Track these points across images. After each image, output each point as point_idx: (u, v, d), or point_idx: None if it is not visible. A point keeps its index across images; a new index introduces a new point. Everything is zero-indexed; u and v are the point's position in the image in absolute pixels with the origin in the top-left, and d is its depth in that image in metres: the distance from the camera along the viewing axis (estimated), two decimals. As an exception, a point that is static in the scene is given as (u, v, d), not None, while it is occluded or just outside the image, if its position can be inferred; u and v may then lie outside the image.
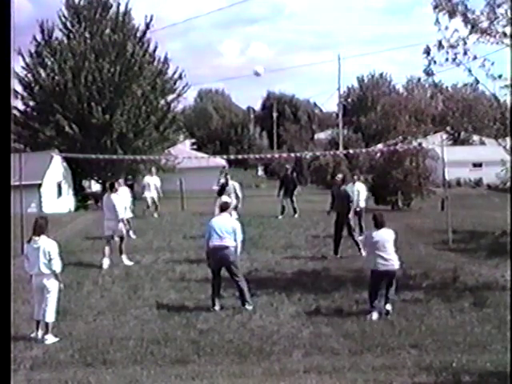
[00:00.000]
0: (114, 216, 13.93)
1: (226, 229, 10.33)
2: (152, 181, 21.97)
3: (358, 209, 16.61)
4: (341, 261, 14.18)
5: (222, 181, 17.31)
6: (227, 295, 10.87)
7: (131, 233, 17.36)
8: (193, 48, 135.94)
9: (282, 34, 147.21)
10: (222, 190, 14.56)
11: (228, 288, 10.91)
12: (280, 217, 20.97)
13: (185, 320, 9.80)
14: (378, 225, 10.07)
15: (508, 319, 9.23)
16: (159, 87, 38.45)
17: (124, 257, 14.21)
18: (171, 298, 11.13)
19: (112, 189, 14.41)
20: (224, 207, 10.84)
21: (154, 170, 23.06)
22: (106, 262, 13.75)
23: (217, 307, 10.33)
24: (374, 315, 9.79)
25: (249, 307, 10.30)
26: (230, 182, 17.11)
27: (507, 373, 7.38)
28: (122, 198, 14.56)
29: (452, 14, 11.37)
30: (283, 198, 21.55)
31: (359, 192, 16.97)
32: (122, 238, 14.23)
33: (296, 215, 21.27)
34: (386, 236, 9.99)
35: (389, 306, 9.96)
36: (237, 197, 16.81)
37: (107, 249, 13.87)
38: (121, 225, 14.08)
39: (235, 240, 10.34)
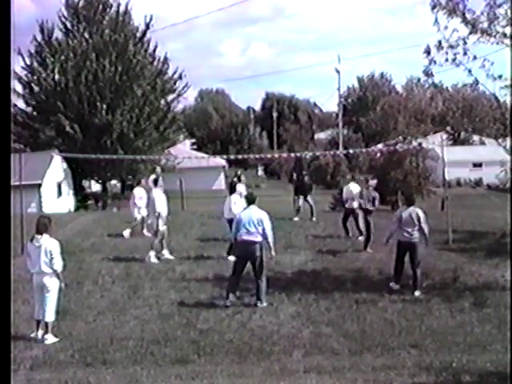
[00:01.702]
0: (152, 212, 14.43)
1: (253, 222, 10.37)
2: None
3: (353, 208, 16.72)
4: (341, 261, 14.18)
5: (235, 180, 17.00)
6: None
7: (127, 231, 17.37)
8: (193, 48, 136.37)
9: (282, 35, 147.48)
10: (232, 188, 14.46)
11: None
12: (296, 218, 20.73)
13: (185, 320, 9.80)
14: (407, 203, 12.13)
15: (508, 319, 9.24)
16: (159, 87, 38.48)
17: (151, 253, 14.26)
18: (171, 298, 11.13)
19: (156, 184, 14.79)
20: (251, 199, 10.86)
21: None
22: (152, 255, 14.20)
23: (228, 303, 10.39)
24: (395, 286, 11.43)
25: (260, 305, 10.38)
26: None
27: (507, 373, 7.39)
28: (162, 195, 14.75)
29: (452, 14, 11.35)
30: (297, 199, 21.31)
31: (352, 193, 16.87)
32: (156, 234, 14.39)
33: (314, 218, 20.90)
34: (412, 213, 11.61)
35: (417, 293, 11.16)
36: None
37: (157, 243, 14.36)
38: (156, 220, 14.31)
39: (264, 232, 10.34)
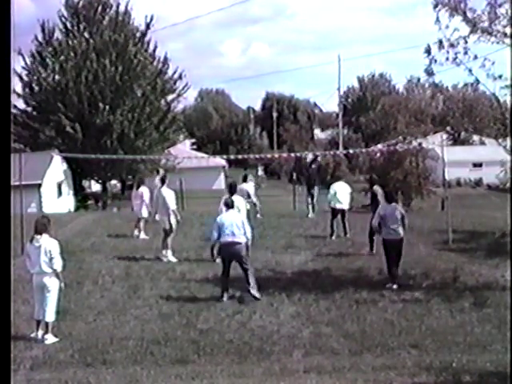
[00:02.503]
0: (163, 210, 14.40)
1: (237, 224, 10.94)
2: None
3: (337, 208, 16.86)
4: (341, 261, 14.18)
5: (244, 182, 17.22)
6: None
7: (142, 233, 17.36)
8: (194, 48, 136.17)
9: (282, 34, 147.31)
10: (232, 189, 14.42)
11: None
12: (310, 215, 21.04)
13: (185, 320, 9.80)
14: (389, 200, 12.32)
15: (508, 319, 9.23)
16: (159, 87, 38.49)
17: (164, 252, 14.35)
18: (171, 298, 11.13)
19: (163, 182, 14.81)
20: (230, 205, 11.43)
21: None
22: (170, 254, 14.30)
23: (225, 298, 10.78)
24: (393, 286, 11.46)
25: (257, 297, 10.78)
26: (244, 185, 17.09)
27: (507, 373, 7.37)
28: (171, 192, 14.85)
29: (453, 12, 11.33)
30: (307, 197, 21.80)
31: (336, 192, 16.81)
32: (166, 232, 14.41)
33: (311, 214, 21.20)
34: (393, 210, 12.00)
35: (395, 286, 11.50)
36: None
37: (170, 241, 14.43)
38: (166, 218, 14.36)
39: (245, 235, 10.97)
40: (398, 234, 11.92)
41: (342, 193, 16.82)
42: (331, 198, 16.90)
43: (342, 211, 16.89)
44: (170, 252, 14.40)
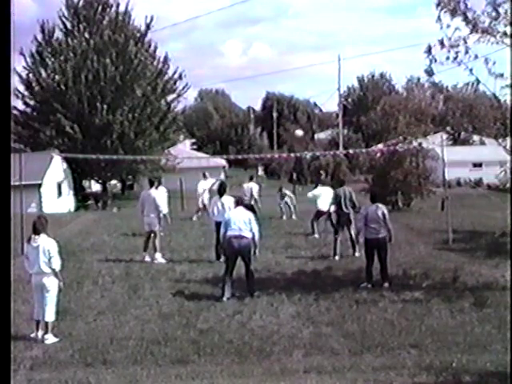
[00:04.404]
0: (153, 211, 14.37)
1: (244, 220, 11.06)
2: (205, 185, 22.39)
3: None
4: (341, 261, 14.17)
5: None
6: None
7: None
8: (194, 48, 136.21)
9: (283, 35, 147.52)
10: (222, 190, 14.42)
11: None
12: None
13: (185, 320, 9.79)
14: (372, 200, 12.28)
15: (508, 319, 9.22)
16: (160, 87, 38.51)
17: (158, 255, 14.37)
18: (171, 298, 11.13)
19: (152, 185, 14.87)
20: (239, 202, 11.88)
21: (207, 174, 23.48)
22: (147, 258, 14.31)
23: (225, 298, 10.77)
24: (367, 285, 11.50)
25: (255, 295, 10.93)
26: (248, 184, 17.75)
27: (507, 373, 7.37)
28: (161, 194, 15.06)
29: (453, 13, 11.31)
30: None
31: (320, 195, 17.06)
32: (155, 234, 14.46)
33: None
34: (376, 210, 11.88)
35: (386, 284, 11.59)
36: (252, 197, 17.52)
37: (149, 244, 14.44)
38: (156, 221, 14.43)
39: (251, 231, 11.04)
40: (378, 233, 11.81)
41: (327, 196, 17.06)
42: (316, 200, 17.17)
43: (329, 213, 17.11)
44: (159, 254, 14.45)
